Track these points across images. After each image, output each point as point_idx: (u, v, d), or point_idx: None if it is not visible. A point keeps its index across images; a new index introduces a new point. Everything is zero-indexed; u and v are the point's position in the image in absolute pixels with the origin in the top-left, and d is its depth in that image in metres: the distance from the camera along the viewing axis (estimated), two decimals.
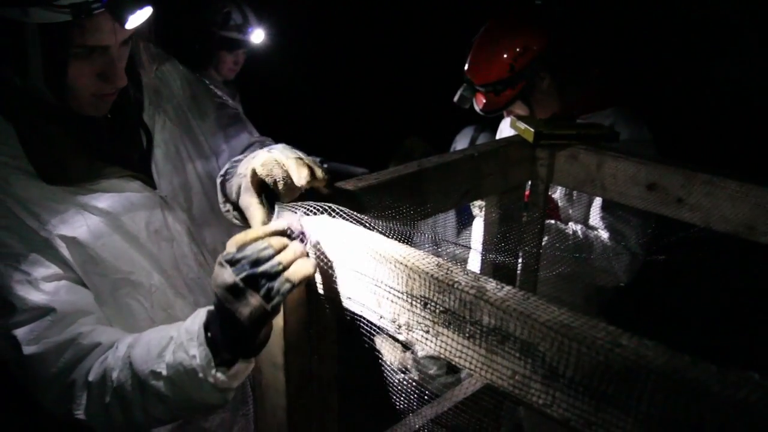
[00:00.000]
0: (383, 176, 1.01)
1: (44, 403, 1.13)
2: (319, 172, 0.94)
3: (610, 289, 1.99)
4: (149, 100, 1.34)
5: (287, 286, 0.82)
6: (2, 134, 1.13)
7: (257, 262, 0.83)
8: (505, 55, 1.96)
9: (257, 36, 2.90)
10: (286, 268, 0.82)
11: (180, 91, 1.43)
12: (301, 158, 0.94)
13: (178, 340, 1.00)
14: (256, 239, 0.85)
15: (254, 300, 0.83)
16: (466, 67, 2.06)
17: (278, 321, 0.88)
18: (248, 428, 1.48)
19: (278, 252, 0.83)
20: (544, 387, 0.61)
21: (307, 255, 0.85)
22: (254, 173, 0.96)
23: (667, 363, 0.52)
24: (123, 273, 1.21)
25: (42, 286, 1.10)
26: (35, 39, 1.05)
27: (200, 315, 1.00)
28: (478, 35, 2.06)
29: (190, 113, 1.43)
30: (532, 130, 1.23)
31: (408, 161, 1.10)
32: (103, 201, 1.20)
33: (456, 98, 2.10)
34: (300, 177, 0.91)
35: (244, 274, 0.82)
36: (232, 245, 0.86)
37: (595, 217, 1.90)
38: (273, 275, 0.82)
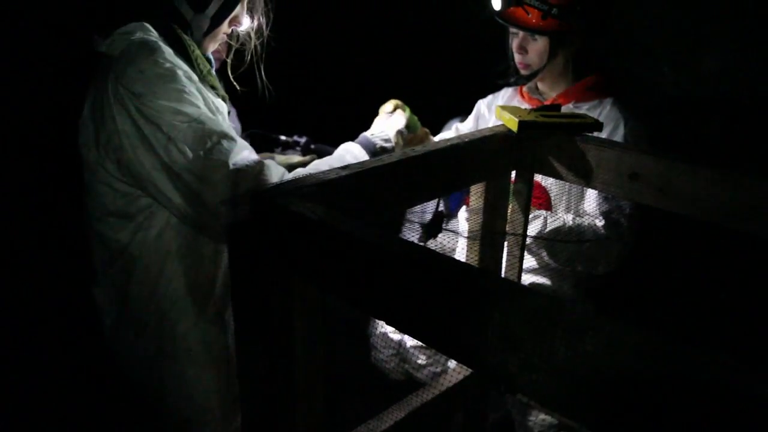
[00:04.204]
0: (368, 164, 1.02)
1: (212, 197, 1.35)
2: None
3: (599, 277, 2.01)
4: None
5: None
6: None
7: None
8: None
9: None
10: None
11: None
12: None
13: None
14: None
15: None
16: None
17: (261, 309, 0.89)
18: None
19: None
20: (523, 371, 0.62)
21: None
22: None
23: (643, 344, 0.54)
24: None
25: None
26: None
27: None
28: None
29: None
30: (516, 119, 1.24)
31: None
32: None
33: (493, 1, 1.96)
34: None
35: None
36: None
37: (589, 204, 1.92)
38: None
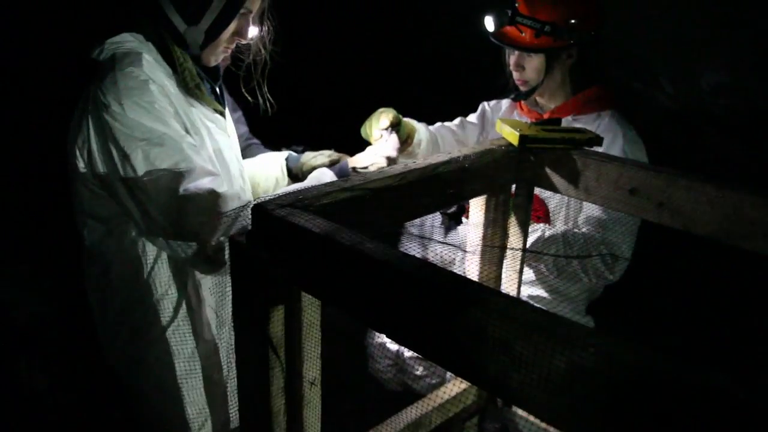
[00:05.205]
0: (369, 177, 1.03)
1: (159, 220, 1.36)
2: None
3: (598, 290, 2.00)
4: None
5: None
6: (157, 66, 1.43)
7: None
8: (578, 6, 1.89)
9: None
10: None
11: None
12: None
13: None
14: None
15: None
16: None
17: (261, 319, 0.89)
18: None
19: None
20: (522, 385, 0.62)
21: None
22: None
23: (642, 359, 0.54)
24: None
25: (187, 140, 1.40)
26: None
27: None
28: None
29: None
30: (517, 133, 1.25)
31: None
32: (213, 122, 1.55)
33: (486, 23, 1.97)
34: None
35: None
36: None
37: (588, 218, 1.92)
38: None
